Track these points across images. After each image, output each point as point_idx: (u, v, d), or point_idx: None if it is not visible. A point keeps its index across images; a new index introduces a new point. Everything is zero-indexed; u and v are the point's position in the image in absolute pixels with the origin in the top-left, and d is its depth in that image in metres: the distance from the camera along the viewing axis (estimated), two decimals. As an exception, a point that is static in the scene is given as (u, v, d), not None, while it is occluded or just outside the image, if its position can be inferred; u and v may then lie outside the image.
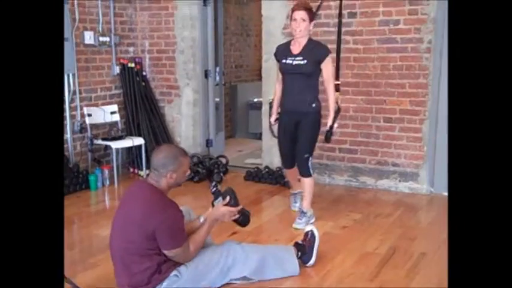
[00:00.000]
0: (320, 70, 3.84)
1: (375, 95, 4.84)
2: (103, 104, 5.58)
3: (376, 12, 4.73)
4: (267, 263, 2.91)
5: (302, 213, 3.99)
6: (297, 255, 3.09)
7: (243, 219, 2.89)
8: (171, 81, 5.96)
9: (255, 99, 7.54)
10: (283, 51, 3.95)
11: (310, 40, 3.88)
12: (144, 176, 5.38)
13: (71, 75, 5.18)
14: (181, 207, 2.69)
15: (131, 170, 5.70)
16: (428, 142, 4.70)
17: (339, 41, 4.18)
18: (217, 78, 6.39)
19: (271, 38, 5.18)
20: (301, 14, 3.77)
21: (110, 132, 5.43)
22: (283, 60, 3.90)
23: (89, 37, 5.36)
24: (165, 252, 2.56)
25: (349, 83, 4.87)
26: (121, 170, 5.55)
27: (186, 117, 5.97)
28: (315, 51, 3.82)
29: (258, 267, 2.87)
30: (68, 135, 5.19)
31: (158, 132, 5.79)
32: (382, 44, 4.74)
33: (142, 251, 2.54)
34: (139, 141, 5.42)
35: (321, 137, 3.98)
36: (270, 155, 5.34)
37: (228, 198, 2.82)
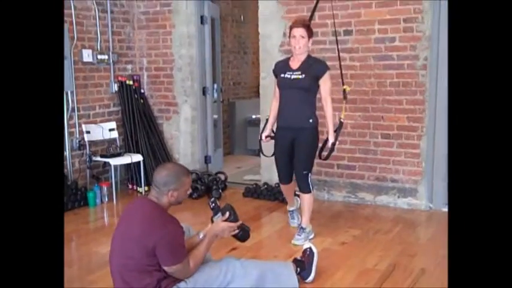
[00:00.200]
0: (318, 86, 3.87)
1: (373, 111, 4.88)
2: (101, 121, 5.60)
3: (371, 30, 4.79)
4: (266, 279, 2.89)
5: (301, 229, 3.98)
6: (296, 271, 3.08)
7: (242, 235, 2.88)
8: (169, 98, 5.99)
9: (253, 116, 7.57)
10: (282, 67, 3.98)
11: (309, 56, 3.92)
12: (143, 193, 5.38)
13: (69, 92, 5.21)
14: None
15: (130, 186, 5.70)
16: (426, 158, 4.72)
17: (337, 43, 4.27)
18: (215, 95, 6.42)
19: (269, 55, 5.23)
20: (300, 31, 3.81)
21: (108, 149, 5.43)
22: (282, 75, 3.92)
23: (87, 55, 5.41)
24: (165, 268, 2.55)
25: (347, 100, 4.89)
26: (120, 186, 5.54)
27: (185, 134, 5.99)
28: (313, 67, 3.85)
29: (257, 282, 2.85)
30: (66, 152, 5.20)
31: (157, 149, 5.81)
32: (378, 61, 4.79)
33: (142, 267, 2.53)
34: (137, 158, 5.43)
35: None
36: (269, 171, 5.34)
37: (227, 213, 2.81)
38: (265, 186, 5.32)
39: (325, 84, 3.85)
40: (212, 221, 2.90)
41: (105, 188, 5.19)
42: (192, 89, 5.91)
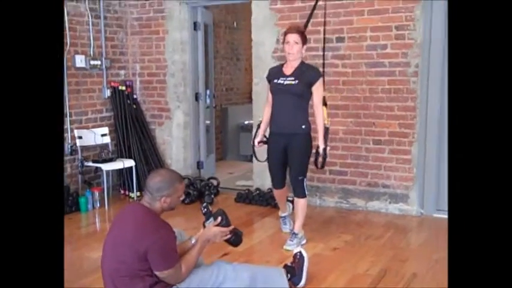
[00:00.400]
0: (311, 93, 3.89)
1: (364, 118, 4.91)
2: (94, 127, 5.59)
3: (363, 37, 4.83)
4: (257, 282, 2.89)
5: (293, 234, 4.00)
6: (287, 278, 3.08)
7: (234, 239, 2.89)
8: (161, 103, 6.00)
9: (246, 122, 7.59)
10: (276, 73, 4.00)
11: (302, 63, 3.94)
12: (135, 198, 5.37)
13: (62, 97, 5.21)
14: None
15: (122, 192, 5.69)
16: (418, 164, 4.75)
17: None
18: (208, 101, 6.44)
19: (261, 62, 5.25)
20: (294, 37, 3.83)
21: (100, 154, 5.42)
22: (275, 80, 3.94)
23: (80, 60, 5.41)
24: (157, 273, 2.54)
25: (339, 106, 4.94)
26: (112, 192, 5.53)
27: (177, 139, 5.99)
28: (307, 73, 3.88)
29: (249, 286, 2.85)
30: (58, 158, 5.18)
31: (149, 155, 5.80)
32: (370, 68, 4.83)
33: (134, 272, 2.52)
34: (130, 163, 5.42)
35: (312, 160, 4.00)
36: (261, 177, 5.36)
37: (219, 218, 2.82)
38: (258, 191, 5.33)
39: (317, 91, 3.87)
40: (204, 226, 2.90)
41: (97, 194, 5.18)
42: (184, 95, 5.92)
